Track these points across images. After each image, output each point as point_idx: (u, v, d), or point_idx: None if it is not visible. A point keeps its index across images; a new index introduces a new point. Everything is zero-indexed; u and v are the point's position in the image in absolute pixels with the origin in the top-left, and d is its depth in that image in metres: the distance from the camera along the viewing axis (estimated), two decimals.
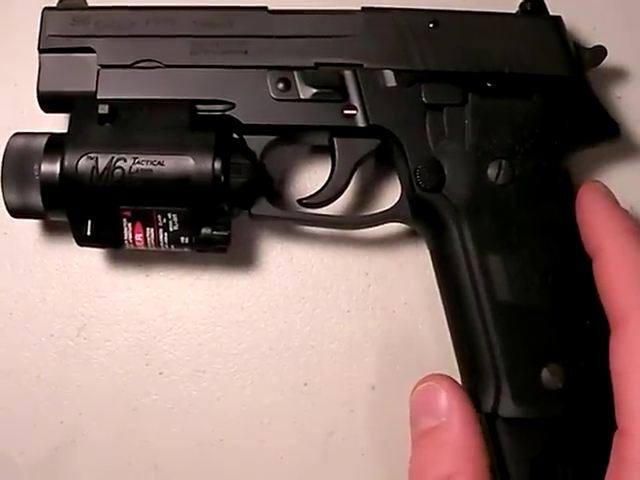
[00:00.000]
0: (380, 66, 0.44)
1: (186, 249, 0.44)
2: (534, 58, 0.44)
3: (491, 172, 0.42)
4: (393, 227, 0.47)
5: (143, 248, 0.44)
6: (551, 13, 0.45)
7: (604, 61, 0.45)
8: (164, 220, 0.42)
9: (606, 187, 0.43)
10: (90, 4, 0.45)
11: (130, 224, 0.42)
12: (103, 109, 0.42)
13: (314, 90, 0.44)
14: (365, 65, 0.44)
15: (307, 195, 0.45)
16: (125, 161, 0.41)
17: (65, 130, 0.42)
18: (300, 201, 0.45)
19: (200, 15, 0.44)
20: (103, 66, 0.44)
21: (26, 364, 0.47)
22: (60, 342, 0.47)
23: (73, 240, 0.43)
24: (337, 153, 0.44)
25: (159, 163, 0.41)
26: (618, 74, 0.49)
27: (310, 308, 0.48)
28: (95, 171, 0.41)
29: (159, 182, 0.41)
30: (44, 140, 0.43)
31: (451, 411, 0.39)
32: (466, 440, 0.38)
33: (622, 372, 0.37)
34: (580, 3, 0.49)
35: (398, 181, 0.45)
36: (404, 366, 0.47)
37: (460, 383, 0.41)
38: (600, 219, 0.41)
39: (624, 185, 0.47)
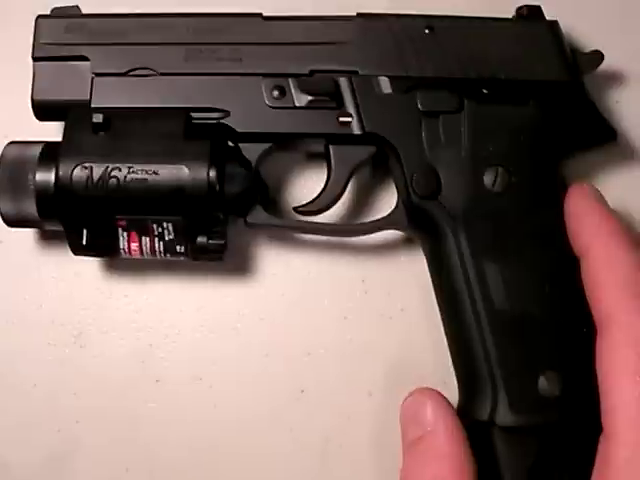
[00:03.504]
0: (375, 73, 0.43)
1: (182, 257, 0.44)
2: (531, 63, 0.44)
3: (487, 179, 0.42)
4: (389, 234, 0.47)
5: (139, 257, 0.43)
6: (548, 18, 0.45)
7: (601, 66, 0.45)
8: (160, 229, 0.42)
9: (594, 189, 0.42)
10: (84, 12, 0.45)
11: (126, 233, 0.42)
12: (97, 118, 0.42)
13: (309, 97, 0.43)
14: (360, 72, 0.43)
15: (303, 203, 0.45)
16: (120, 170, 0.41)
17: (60, 139, 0.42)
18: (296, 209, 0.45)
19: (194, 22, 0.44)
20: (97, 74, 0.44)
21: (22, 372, 0.47)
22: (56, 350, 0.47)
23: (69, 248, 0.43)
24: (333, 160, 0.44)
25: (154, 172, 0.41)
26: (615, 79, 0.49)
27: (306, 315, 0.47)
28: (90, 181, 0.41)
29: (154, 191, 0.41)
30: (38, 149, 0.43)
31: (436, 421, 0.39)
32: (451, 448, 0.38)
33: (607, 373, 0.37)
34: (577, 8, 0.48)
35: (394, 188, 0.45)
36: (401, 373, 0.46)
37: (456, 394, 0.41)
38: (587, 220, 0.41)
39: (622, 189, 0.47)
